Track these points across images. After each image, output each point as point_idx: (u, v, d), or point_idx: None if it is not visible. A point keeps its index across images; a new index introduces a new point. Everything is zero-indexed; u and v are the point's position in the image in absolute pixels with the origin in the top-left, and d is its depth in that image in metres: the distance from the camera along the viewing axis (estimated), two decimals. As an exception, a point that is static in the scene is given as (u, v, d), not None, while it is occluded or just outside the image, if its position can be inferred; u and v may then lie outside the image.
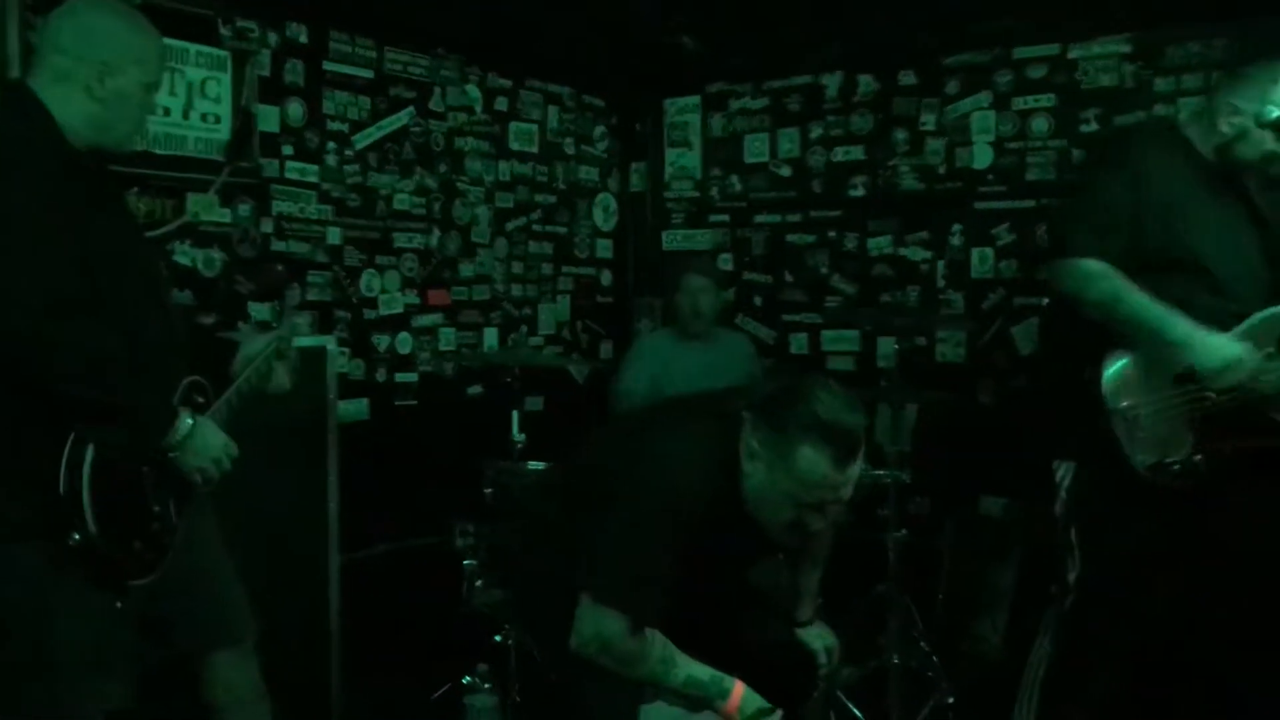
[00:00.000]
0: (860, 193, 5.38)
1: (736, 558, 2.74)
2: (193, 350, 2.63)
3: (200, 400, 2.55)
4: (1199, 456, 2.76)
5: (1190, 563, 2.86)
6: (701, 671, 2.46)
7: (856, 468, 2.36)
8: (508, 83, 5.39)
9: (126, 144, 2.55)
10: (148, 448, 2.35)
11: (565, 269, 5.78)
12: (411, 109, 4.92)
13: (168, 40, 3.86)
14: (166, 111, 3.94)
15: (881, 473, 4.00)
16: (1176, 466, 2.76)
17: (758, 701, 2.47)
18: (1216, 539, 2.85)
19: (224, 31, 4.14)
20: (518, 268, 5.49)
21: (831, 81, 5.43)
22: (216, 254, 4.22)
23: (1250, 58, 2.94)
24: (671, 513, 2.39)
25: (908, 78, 5.21)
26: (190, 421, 2.40)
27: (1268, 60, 2.86)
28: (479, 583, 4.01)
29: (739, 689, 2.46)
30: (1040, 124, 4.89)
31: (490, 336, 5.34)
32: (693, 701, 2.48)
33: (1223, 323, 2.75)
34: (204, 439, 2.44)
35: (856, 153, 5.38)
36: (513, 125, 5.43)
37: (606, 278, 6.05)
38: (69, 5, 2.45)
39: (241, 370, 2.70)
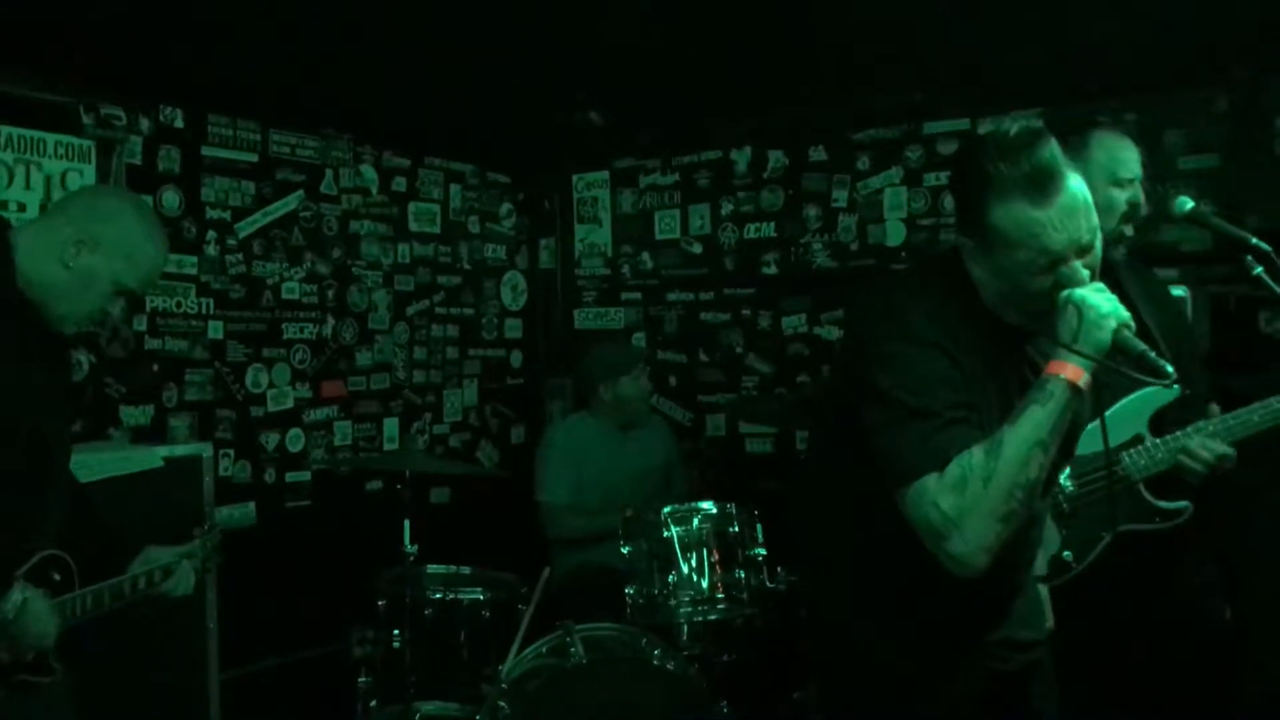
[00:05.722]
0: (773, 270, 5.23)
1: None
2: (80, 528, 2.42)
3: (56, 578, 2.32)
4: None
5: None
6: (1024, 411, 1.84)
7: (1070, 191, 1.86)
8: (406, 161, 5.18)
9: (62, 323, 2.33)
10: None
11: (472, 351, 5.55)
12: (301, 192, 4.68)
13: (24, 131, 3.71)
14: (22, 207, 3.69)
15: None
16: None
17: (1096, 325, 1.82)
18: None
19: (86, 120, 3.89)
20: (420, 353, 5.25)
21: (741, 157, 5.30)
22: (83, 355, 3.94)
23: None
24: (909, 340, 1.94)
25: (818, 153, 5.09)
26: (21, 598, 2.16)
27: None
28: (373, 703, 3.71)
29: (1058, 364, 1.85)
30: (952, 200, 4.76)
31: (390, 427, 5.08)
32: (1058, 432, 1.84)
33: None
34: (28, 623, 2.19)
35: (768, 229, 5.23)
36: (412, 205, 5.22)
37: (517, 359, 5.82)
38: (101, 185, 2.28)
39: (136, 569, 2.50)
